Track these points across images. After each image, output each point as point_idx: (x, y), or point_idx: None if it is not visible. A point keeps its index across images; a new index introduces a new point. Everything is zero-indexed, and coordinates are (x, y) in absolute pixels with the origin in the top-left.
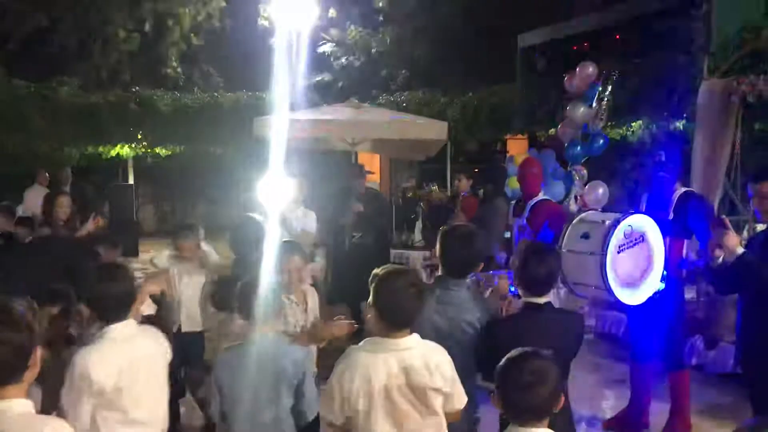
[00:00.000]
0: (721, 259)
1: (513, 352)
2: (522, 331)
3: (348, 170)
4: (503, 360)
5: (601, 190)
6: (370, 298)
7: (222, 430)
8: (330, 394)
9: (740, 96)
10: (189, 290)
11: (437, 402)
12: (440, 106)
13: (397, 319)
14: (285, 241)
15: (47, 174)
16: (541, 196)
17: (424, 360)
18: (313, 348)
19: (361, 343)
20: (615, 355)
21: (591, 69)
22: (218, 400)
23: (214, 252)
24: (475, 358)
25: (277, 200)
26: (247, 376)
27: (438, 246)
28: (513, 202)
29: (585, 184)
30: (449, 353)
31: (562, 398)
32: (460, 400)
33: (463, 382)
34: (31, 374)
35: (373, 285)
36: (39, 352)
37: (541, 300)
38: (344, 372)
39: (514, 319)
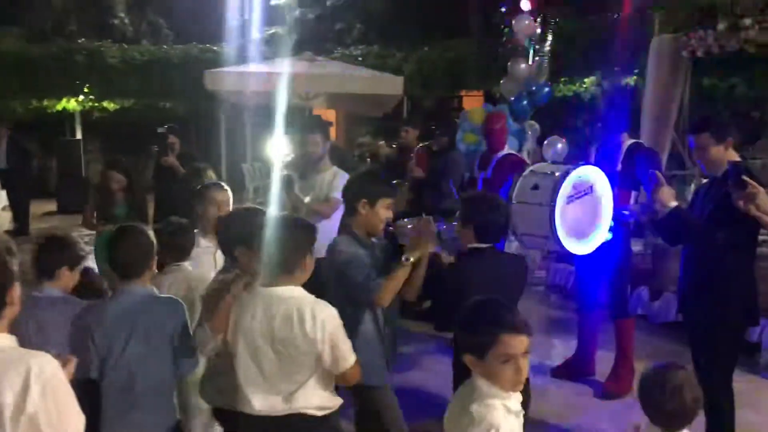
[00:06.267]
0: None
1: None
2: (470, 272)
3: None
4: None
5: (560, 146)
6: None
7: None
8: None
9: (690, 52)
10: None
11: (303, 358)
12: (396, 61)
13: (278, 265)
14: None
15: None
16: (506, 150)
17: (289, 314)
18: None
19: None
20: (563, 305)
21: (527, 22)
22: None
23: None
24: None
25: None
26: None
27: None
28: (479, 155)
29: (537, 139)
30: None
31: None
32: (337, 364)
33: None
34: (10, 312)
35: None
36: (17, 291)
37: (484, 245)
38: (233, 308)
39: (460, 262)
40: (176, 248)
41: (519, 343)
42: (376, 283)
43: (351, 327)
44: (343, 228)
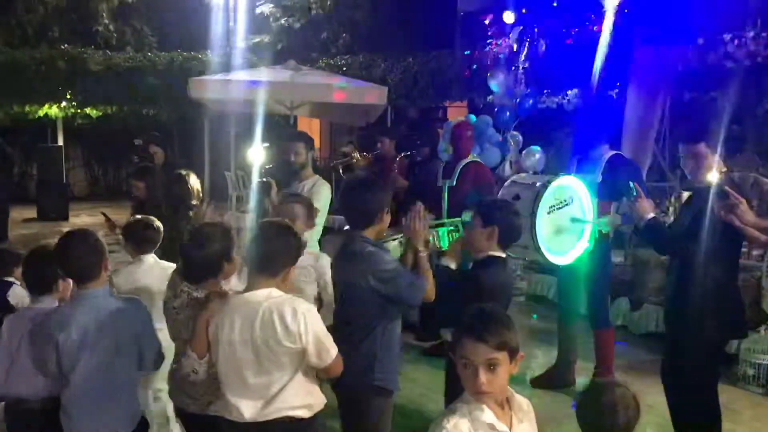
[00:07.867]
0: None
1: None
2: (492, 281)
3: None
4: None
5: (537, 156)
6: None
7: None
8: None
9: (671, 65)
10: None
11: (286, 358)
12: (380, 71)
13: (258, 265)
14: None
15: None
16: (470, 158)
17: (269, 313)
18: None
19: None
20: (544, 315)
21: (509, 35)
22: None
23: None
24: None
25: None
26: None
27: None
28: (443, 164)
29: (520, 150)
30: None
31: None
32: (321, 356)
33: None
34: None
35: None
36: None
37: (503, 254)
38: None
39: (482, 271)
40: (145, 241)
41: (475, 350)
42: (420, 283)
43: (389, 333)
44: (357, 238)
